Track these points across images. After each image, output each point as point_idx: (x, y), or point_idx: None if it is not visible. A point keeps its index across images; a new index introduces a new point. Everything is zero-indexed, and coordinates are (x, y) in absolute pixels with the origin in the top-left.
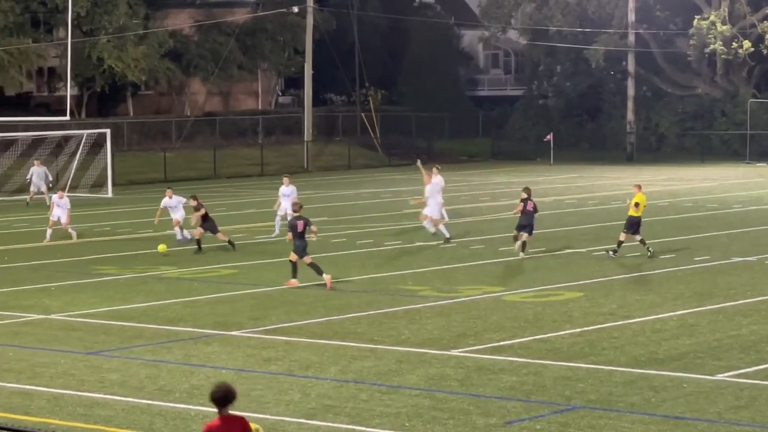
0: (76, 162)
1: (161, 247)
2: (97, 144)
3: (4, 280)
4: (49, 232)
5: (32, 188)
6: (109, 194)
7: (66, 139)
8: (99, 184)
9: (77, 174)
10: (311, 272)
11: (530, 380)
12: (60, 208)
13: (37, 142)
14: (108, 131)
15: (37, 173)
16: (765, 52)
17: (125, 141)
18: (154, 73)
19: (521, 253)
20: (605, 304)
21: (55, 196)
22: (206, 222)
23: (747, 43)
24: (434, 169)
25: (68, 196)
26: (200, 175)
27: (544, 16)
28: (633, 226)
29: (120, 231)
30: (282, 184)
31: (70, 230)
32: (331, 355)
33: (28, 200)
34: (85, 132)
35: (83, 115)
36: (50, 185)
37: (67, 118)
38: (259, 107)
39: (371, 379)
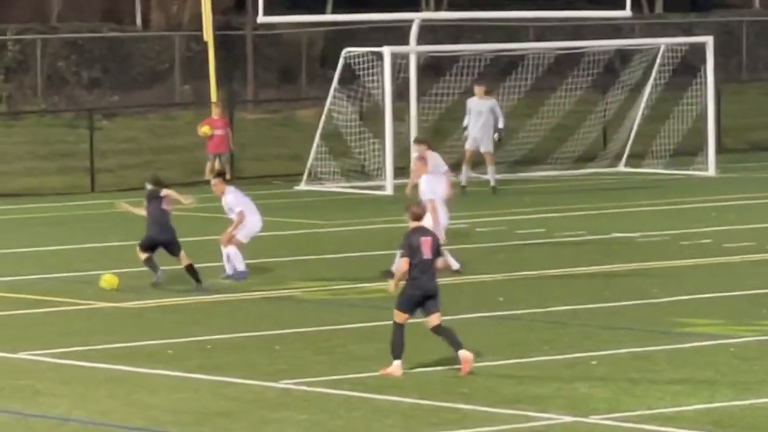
0: (642, 105)
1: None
2: (685, 69)
3: None
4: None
5: (468, 144)
6: (710, 170)
7: (623, 56)
8: (686, 151)
9: (647, 133)
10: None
11: None
12: None
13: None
14: (709, 40)
15: (478, 113)
16: None
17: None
18: None
19: None
20: None
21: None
22: None
23: None
24: None
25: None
26: None
27: None
28: None
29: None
30: None
31: (448, 260)
32: None
33: (463, 181)
34: (663, 42)
35: (658, 8)
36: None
37: (626, 13)
38: None
39: None
